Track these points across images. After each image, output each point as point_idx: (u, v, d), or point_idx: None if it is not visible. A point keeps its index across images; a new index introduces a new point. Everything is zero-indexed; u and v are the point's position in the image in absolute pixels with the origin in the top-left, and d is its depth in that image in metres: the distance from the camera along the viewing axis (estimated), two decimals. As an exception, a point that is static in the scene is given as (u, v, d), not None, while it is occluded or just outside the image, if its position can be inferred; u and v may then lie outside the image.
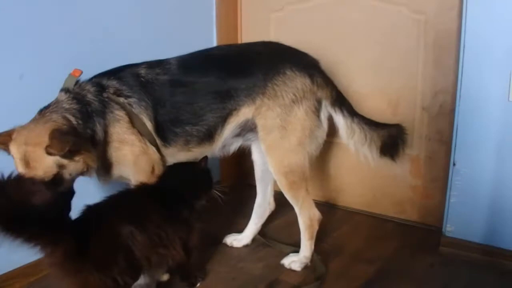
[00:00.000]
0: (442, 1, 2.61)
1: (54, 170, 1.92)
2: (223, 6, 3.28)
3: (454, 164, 2.48)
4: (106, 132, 2.11)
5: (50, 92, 2.10)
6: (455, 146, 2.47)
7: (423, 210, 2.93)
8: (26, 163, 1.89)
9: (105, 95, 2.12)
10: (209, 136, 2.32)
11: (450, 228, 2.57)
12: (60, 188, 1.95)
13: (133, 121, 2.14)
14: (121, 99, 2.14)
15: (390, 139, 2.40)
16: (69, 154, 1.91)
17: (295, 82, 2.28)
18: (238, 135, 2.41)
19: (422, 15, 2.68)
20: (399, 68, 2.82)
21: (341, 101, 2.39)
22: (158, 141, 2.22)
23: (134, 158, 2.17)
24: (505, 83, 2.29)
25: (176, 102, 2.23)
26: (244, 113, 2.32)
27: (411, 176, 2.93)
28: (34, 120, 1.98)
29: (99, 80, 2.17)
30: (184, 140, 2.28)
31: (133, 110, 2.15)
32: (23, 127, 1.94)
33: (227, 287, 2.35)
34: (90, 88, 2.12)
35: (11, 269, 2.37)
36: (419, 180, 2.91)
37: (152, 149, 2.20)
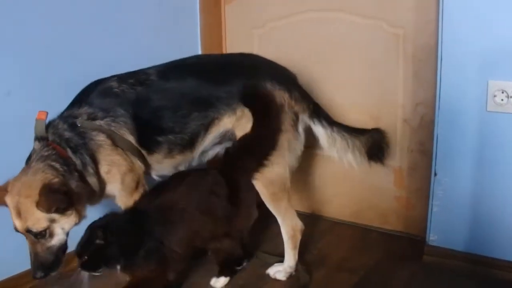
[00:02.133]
0: (420, 15, 2.66)
1: (44, 224, 1.95)
2: (207, 21, 3.30)
3: (435, 174, 2.51)
4: (94, 161, 2.13)
5: (38, 108, 2.11)
6: (436, 156, 2.50)
7: (407, 220, 2.96)
8: (18, 213, 1.94)
9: (78, 123, 2.12)
10: (191, 144, 2.34)
11: (434, 237, 2.60)
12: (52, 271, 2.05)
13: (115, 141, 2.16)
14: (97, 122, 2.15)
15: (375, 144, 2.44)
16: (60, 210, 1.95)
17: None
18: (218, 143, 2.44)
19: (401, 29, 2.73)
20: (380, 82, 2.86)
21: (318, 113, 2.43)
22: (143, 151, 2.25)
23: (121, 176, 2.20)
24: (483, 94, 2.32)
25: (156, 111, 2.25)
26: (225, 123, 2.35)
27: (395, 187, 2.96)
28: (24, 171, 2.01)
29: (70, 113, 2.16)
30: (167, 148, 2.30)
31: (112, 128, 2.16)
32: (16, 179, 1.99)
33: (211, 298, 2.37)
34: (63, 125, 2.12)
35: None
36: (403, 191, 2.94)
37: (138, 163, 2.24)
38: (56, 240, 2.01)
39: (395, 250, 2.80)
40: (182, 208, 2.21)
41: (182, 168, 2.47)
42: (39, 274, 2.00)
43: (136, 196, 2.27)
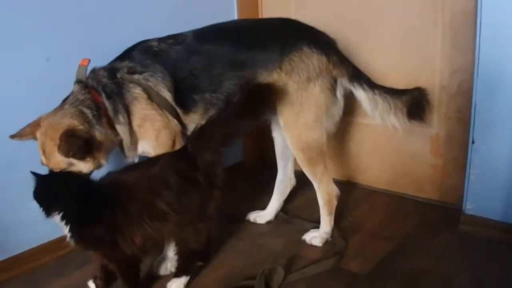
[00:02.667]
0: (459, -20, 2.60)
1: (63, 166, 2.04)
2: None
3: (473, 142, 2.48)
4: (128, 112, 2.17)
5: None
6: (474, 124, 2.47)
7: (443, 188, 2.94)
8: (43, 152, 2.04)
9: (118, 75, 2.17)
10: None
11: (470, 206, 2.58)
12: None
13: (151, 96, 2.19)
14: (136, 76, 2.19)
15: (415, 102, 2.40)
16: (78, 156, 2.02)
17: (312, 59, 2.32)
18: None
19: (439, -6, 2.68)
20: (417, 47, 2.82)
21: (359, 76, 2.41)
22: (178, 110, 2.27)
23: (156, 133, 2.22)
24: (523, 60, 2.28)
25: (193, 69, 2.27)
26: None
27: (431, 155, 2.94)
28: (56, 111, 2.07)
29: (112, 65, 2.22)
30: (204, 108, 2.31)
31: (149, 84, 2.19)
32: (47, 116, 2.06)
33: (247, 262, 2.41)
34: (103, 73, 2.18)
35: (38, 243, 2.48)
36: (439, 159, 2.92)
37: (174, 121, 2.25)
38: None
39: (431, 218, 2.79)
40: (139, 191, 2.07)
41: None
42: None
43: None
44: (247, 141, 3.56)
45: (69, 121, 2.02)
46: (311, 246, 2.52)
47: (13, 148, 2.23)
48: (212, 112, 2.31)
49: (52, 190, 2.01)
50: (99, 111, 2.11)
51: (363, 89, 2.40)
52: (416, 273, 2.25)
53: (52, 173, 2.05)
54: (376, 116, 2.43)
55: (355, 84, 2.40)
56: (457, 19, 2.64)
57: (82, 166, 2.07)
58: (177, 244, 2.17)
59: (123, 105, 2.16)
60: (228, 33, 2.40)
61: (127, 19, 2.66)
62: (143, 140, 2.25)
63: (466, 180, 2.57)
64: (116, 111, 2.14)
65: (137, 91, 2.18)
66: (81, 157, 2.04)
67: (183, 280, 2.18)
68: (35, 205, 1.99)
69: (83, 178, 2.08)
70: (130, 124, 2.19)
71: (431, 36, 2.75)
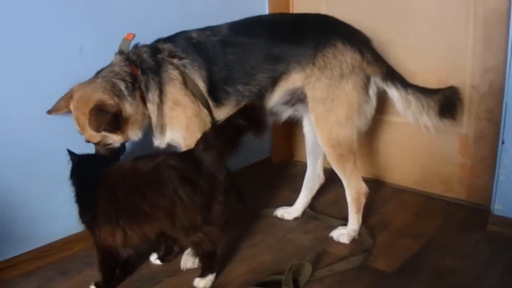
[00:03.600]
0: (492, -21, 2.58)
1: (98, 138, 2.17)
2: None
3: (503, 143, 2.47)
4: (161, 91, 2.22)
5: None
6: (504, 124, 2.45)
7: (471, 188, 2.93)
8: (78, 124, 2.15)
9: (159, 56, 2.23)
10: (259, 97, 2.38)
11: (498, 206, 2.56)
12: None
13: (186, 82, 2.23)
14: (175, 60, 2.24)
15: (447, 101, 2.40)
16: (108, 130, 2.10)
17: (345, 56, 2.32)
18: (288, 103, 2.47)
19: (473, -7, 2.67)
20: (449, 46, 2.81)
21: (392, 75, 2.41)
22: (210, 102, 2.30)
23: (187, 120, 2.26)
24: (556, 60, 2.26)
25: (227, 61, 2.30)
26: (294, 80, 2.38)
27: (459, 155, 2.92)
28: (88, 82, 2.16)
29: (155, 45, 2.29)
30: (236, 100, 2.34)
31: (187, 71, 2.24)
32: (78, 88, 2.16)
33: (275, 257, 2.43)
34: (146, 49, 2.25)
35: (69, 233, 2.52)
36: (468, 159, 2.90)
37: (205, 111, 2.29)
38: (112, 145, 2.23)
39: (458, 218, 2.78)
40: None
41: None
42: None
43: None
44: (275, 137, 3.58)
45: (99, 95, 2.09)
46: (339, 243, 2.53)
47: (44, 139, 2.31)
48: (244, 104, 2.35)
49: (72, 170, 2.12)
50: (135, 85, 2.17)
51: (396, 88, 2.40)
52: (444, 272, 2.24)
53: (82, 155, 2.14)
54: (409, 115, 2.43)
55: (389, 83, 2.40)
56: (489, 18, 2.62)
57: (115, 138, 2.18)
58: (193, 248, 2.16)
59: (157, 83, 2.21)
60: (263, 26, 2.43)
61: (160, 12, 2.70)
62: (173, 126, 2.29)
63: (495, 181, 2.56)
64: (147, 88, 2.20)
65: (175, 73, 2.24)
66: (112, 131, 2.12)
67: (210, 277, 2.19)
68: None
69: (97, 160, 2.18)
70: (161, 104, 2.23)
71: (463, 35, 2.73)
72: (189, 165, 2.04)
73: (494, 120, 2.70)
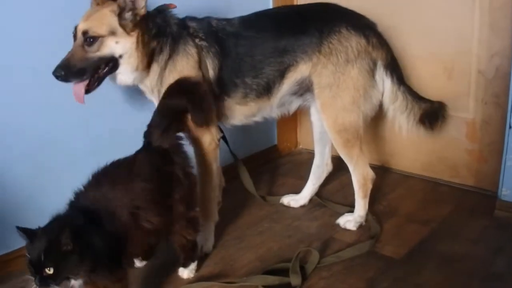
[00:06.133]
0: (498, -38, 2.56)
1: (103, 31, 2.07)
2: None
3: (510, 127, 2.46)
4: (170, 58, 2.22)
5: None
6: (511, 108, 2.44)
7: (479, 174, 2.91)
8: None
9: (184, 30, 2.25)
10: (267, 90, 2.38)
11: (506, 191, 2.56)
12: None
13: (201, 62, 2.24)
14: (197, 40, 2.26)
15: (432, 111, 2.44)
16: (125, 19, 2.09)
17: (350, 41, 2.32)
18: (296, 93, 2.46)
19: (478, -25, 2.64)
20: (454, 31, 2.78)
21: (393, 67, 2.42)
22: (216, 92, 2.30)
23: None
24: None
25: (238, 53, 2.31)
26: (301, 70, 2.37)
27: (467, 140, 2.91)
28: None
29: (184, 19, 2.31)
30: (243, 92, 2.35)
31: (203, 53, 2.25)
32: None
33: (283, 244, 2.43)
34: (175, 20, 2.26)
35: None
36: (475, 144, 2.89)
37: (211, 98, 2.27)
38: (100, 53, 2.09)
39: (466, 204, 2.78)
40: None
41: (257, 119, 2.52)
42: (59, 72, 2.01)
43: (206, 140, 2.29)
44: (281, 125, 3.57)
45: None
46: (345, 230, 2.53)
47: (50, 129, 2.30)
48: (250, 97, 2.36)
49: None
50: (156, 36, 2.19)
51: (392, 80, 2.40)
52: (452, 257, 2.24)
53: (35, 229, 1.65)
54: (390, 110, 2.46)
55: (387, 72, 2.40)
56: (496, 2, 2.60)
57: (123, 43, 2.12)
58: (175, 240, 2.09)
59: (170, 50, 2.21)
60: (270, 20, 2.44)
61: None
62: None
63: (502, 166, 2.55)
64: (161, 50, 2.21)
65: (193, 50, 2.24)
66: (129, 25, 2.10)
67: (193, 266, 2.19)
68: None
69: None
70: (163, 70, 2.23)
71: (469, 20, 2.71)
72: (159, 157, 1.99)
73: (501, 105, 2.68)
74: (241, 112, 2.42)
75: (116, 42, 2.10)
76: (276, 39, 2.35)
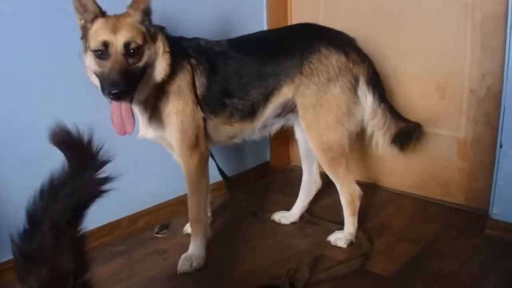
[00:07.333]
0: (489, -17, 2.58)
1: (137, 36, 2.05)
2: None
3: (501, 146, 2.47)
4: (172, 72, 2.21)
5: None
6: (502, 128, 2.45)
7: (469, 193, 2.92)
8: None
9: (180, 48, 2.27)
10: (252, 112, 2.41)
11: (497, 210, 2.56)
12: None
13: (195, 79, 2.26)
14: (192, 60, 2.29)
15: (406, 131, 2.46)
16: (146, 22, 2.09)
17: (330, 60, 2.35)
18: (279, 115, 2.49)
19: (470, -4, 2.67)
20: (446, 51, 2.81)
21: (375, 82, 2.44)
22: (203, 112, 2.32)
23: (181, 113, 2.25)
24: (554, 64, 2.26)
25: (227, 72, 2.34)
26: (285, 93, 2.41)
27: (458, 159, 2.92)
28: None
29: (183, 40, 2.35)
30: (229, 112, 2.37)
31: (194, 71, 2.28)
32: None
33: (273, 261, 2.42)
34: (170, 35, 2.27)
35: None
36: (466, 163, 2.89)
37: (200, 115, 2.29)
38: (142, 63, 2.08)
39: (456, 222, 2.78)
40: None
41: (237, 140, 2.55)
42: (119, 87, 1.95)
43: (195, 158, 2.31)
44: (273, 141, 3.58)
45: None
46: (336, 247, 2.53)
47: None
48: (236, 117, 2.39)
49: None
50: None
51: (373, 97, 2.42)
52: (442, 276, 2.24)
53: None
54: (369, 126, 2.48)
55: (369, 88, 2.42)
56: (487, 22, 2.63)
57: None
58: None
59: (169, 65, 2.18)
60: (255, 44, 2.49)
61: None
62: (167, 119, 2.26)
63: (493, 185, 2.56)
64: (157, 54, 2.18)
65: (188, 67, 2.27)
66: (149, 35, 2.11)
67: None
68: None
69: None
70: (163, 86, 2.22)
71: (461, 40, 2.74)
72: None
73: (491, 124, 2.70)
74: (225, 132, 2.44)
75: (149, 49, 2.10)
76: (260, 63, 2.38)
